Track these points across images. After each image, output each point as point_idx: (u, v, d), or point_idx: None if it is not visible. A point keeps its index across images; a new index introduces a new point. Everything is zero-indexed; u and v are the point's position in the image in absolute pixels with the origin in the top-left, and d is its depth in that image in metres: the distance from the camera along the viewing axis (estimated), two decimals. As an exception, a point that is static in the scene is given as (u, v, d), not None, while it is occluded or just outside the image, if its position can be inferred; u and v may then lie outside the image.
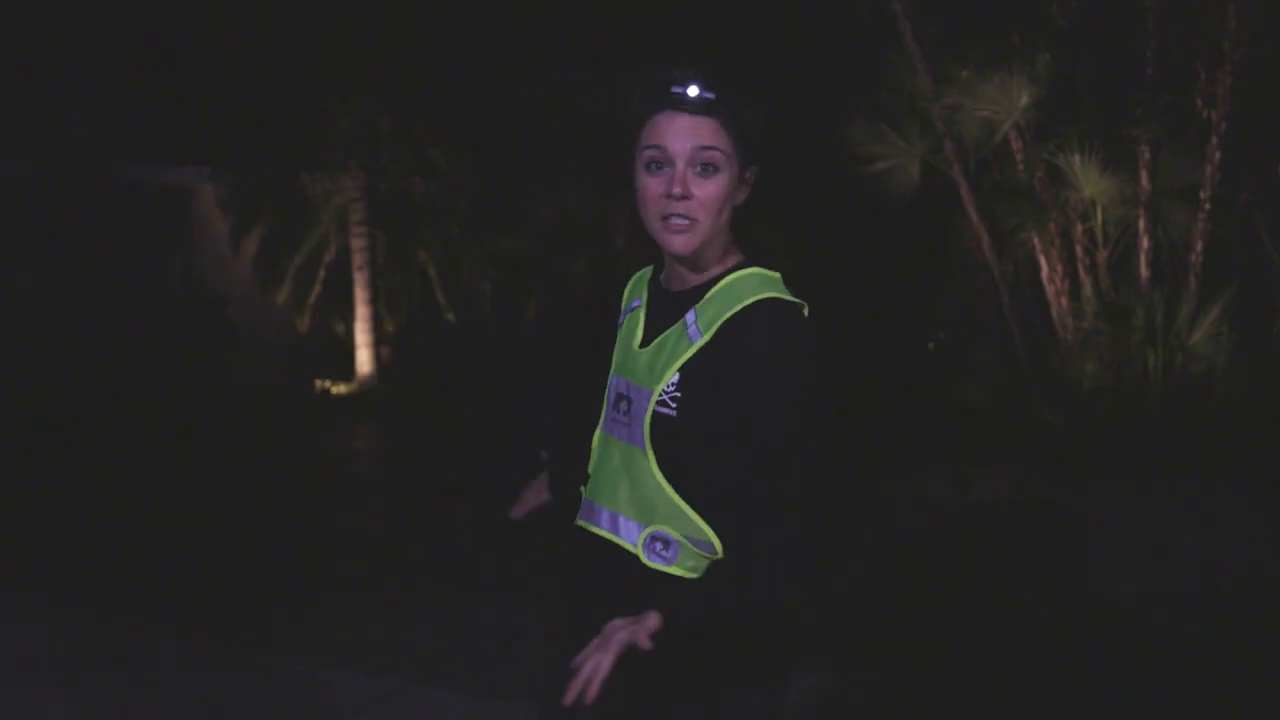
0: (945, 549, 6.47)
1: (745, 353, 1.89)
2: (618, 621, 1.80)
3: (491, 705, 4.27)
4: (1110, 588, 5.63)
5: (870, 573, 5.70)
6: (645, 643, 1.77)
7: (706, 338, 1.93)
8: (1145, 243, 9.26)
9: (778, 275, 2.01)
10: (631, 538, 1.97)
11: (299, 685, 4.42)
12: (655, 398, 1.95)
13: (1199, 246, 9.11)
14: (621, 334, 2.13)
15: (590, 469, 2.12)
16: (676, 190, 1.93)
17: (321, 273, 13.46)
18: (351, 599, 5.56)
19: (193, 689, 4.39)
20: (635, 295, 2.16)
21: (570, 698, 1.76)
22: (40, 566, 6.13)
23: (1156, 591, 5.52)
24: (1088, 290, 9.40)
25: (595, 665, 1.76)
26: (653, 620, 1.79)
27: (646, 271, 2.19)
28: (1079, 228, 9.43)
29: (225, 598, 5.58)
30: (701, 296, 1.99)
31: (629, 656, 1.78)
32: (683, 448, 1.94)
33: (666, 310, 2.04)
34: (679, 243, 1.96)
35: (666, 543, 1.94)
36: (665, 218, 1.95)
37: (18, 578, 5.92)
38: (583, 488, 2.12)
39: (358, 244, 13.25)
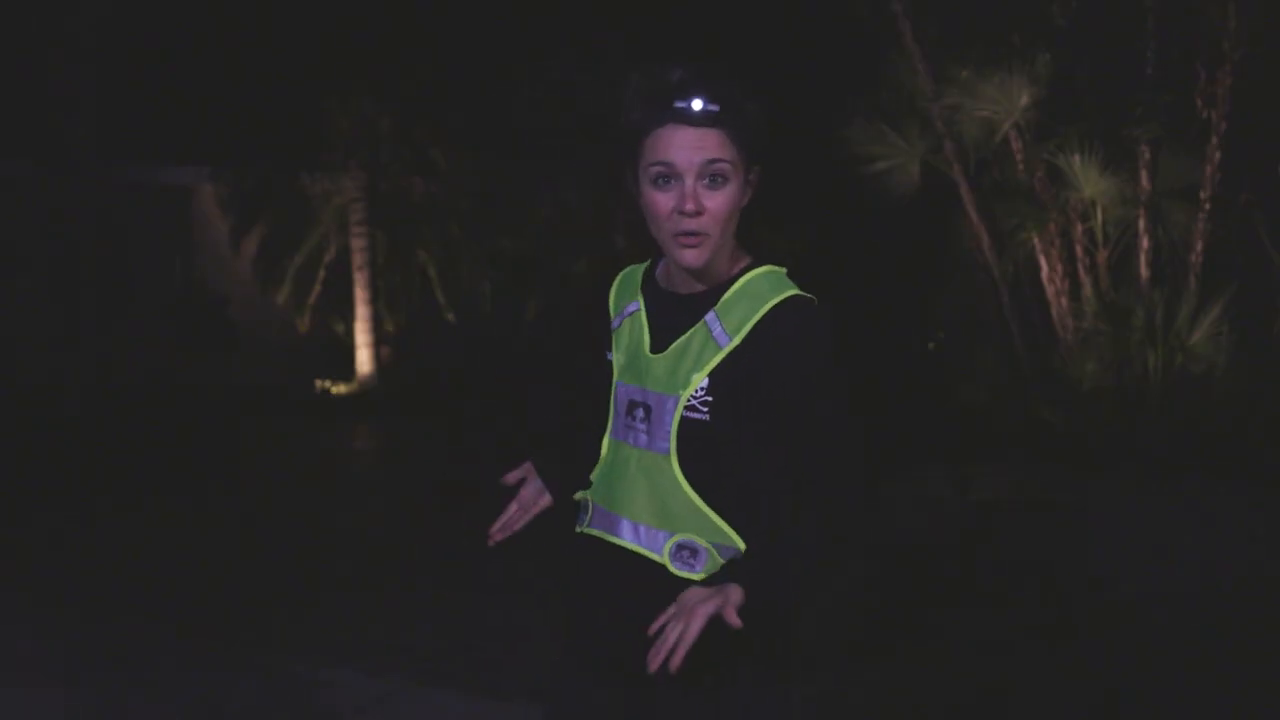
0: (945, 549, 6.47)
1: (782, 351, 1.91)
2: (695, 591, 1.81)
3: (492, 705, 4.27)
4: (1110, 588, 5.63)
5: (870, 573, 5.69)
6: (734, 619, 1.78)
7: (737, 341, 1.93)
8: (1145, 243, 9.26)
9: (784, 270, 2.02)
10: (656, 547, 1.96)
11: (299, 685, 4.42)
12: (683, 403, 1.94)
13: (1199, 246, 9.11)
14: (622, 339, 2.09)
15: (595, 476, 2.10)
16: (689, 207, 1.92)
17: (321, 273, 13.47)
18: (351, 599, 5.56)
19: (193, 689, 4.39)
20: (629, 298, 2.12)
21: (655, 664, 1.76)
22: (40, 566, 6.13)
23: (1156, 591, 5.52)
24: (1088, 290, 9.40)
25: (681, 632, 1.77)
26: (736, 594, 1.80)
27: (634, 272, 2.16)
28: (1079, 228, 9.43)
29: (225, 598, 5.58)
30: (717, 299, 1.98)
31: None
32: (714, 451, 1.94)
33: (675, 314, 2.02)
34: (692, 257, 1.95)
35: (694, 551, 1.94)
36: (677, 233, 1.94)
37: (18, 578, 5.92)
38: (588, 494, 2.10)
39: (358, 244, 13.26)
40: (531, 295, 14.28)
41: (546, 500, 2.23)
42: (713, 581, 1.86)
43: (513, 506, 2.23)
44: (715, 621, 1.79)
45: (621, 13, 12.31)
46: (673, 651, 1.76)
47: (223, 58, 12.25)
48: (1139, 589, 5.55)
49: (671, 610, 1.80)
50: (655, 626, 1.80)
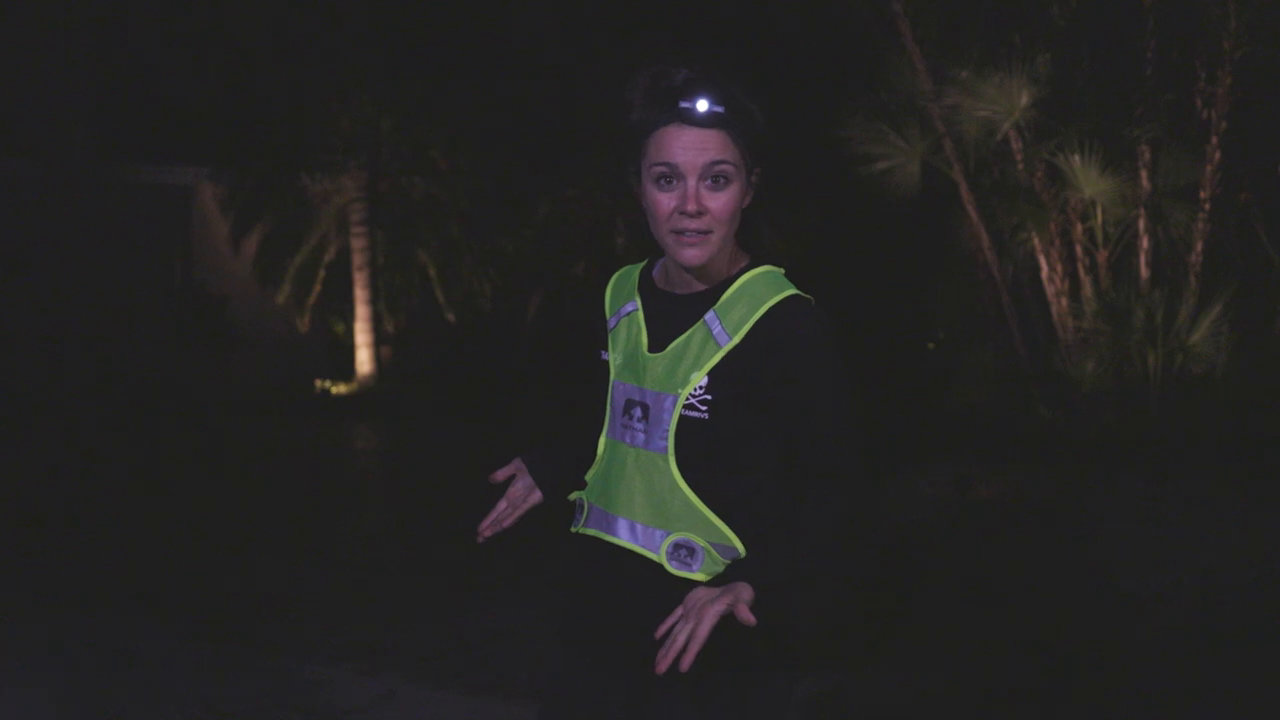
0: (945, 549, 6.47)
1: (781, 350, 1.92)
2: (703, 591, 1.80)
3: (491, 705, 4.27)
4: (1111, 587, 5.63)
5: (870, 572, 5.70)
6: (748, 616, 1.77)
7: (737, 340, 1.94)
8: (1145, 243, 9.27)
9: (782, 270, 2.02)
10: (653, 546, 1.96)
11: (299, 685, 4.42)
12: (682, 402, 1.95)
13: (1199, 246, 9.12)
14: (619, 339, 2.09)
15: (591, 476, 2.10)
16: (691, 208, 1.92)
17: (321, 273, 13.48)
18: (351, 599, 5.56)
19: (193, 689, 4.39)
20: (626, 298, 2.12)
21: (664, 666, 1.75)
22: (39, 566, 6.13)
23: (1157, 591, 5.52)
24: (1088, 290, 9.41)
25: (691, 633, 1.76)
26: (746, 592, 1.79)
27: (630, 273, 2.16)
28: (1079, 228, 9.43)
29: (225, 598, 5.58)
30: (716, 299, 1.98)
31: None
32: (712, 450, 1.94)
33: (674, 313, 2.02)
34: (692, 255, 1.95)
35: (691, 550, 1.94)
36: (678, 232, 1.95)
37: (17, 577, 5.92)
38: (583, 495, 2.10)
39: (358, 244, 13.27)
40: (531, 295, 14.29)
41: (536, 497, 2.23)
42: (720, 581, 1.86)
43: (501, 504, 2.23)
44: (723, 620, 1.79)
45: (622, 12, 12.32)
46: (683, 652, 1.75)
47: (223, 58, 12.26)
48: (1139, 589, 5.55)
49: (679, 611, 1.80)
50: (663, 629, 1.79)
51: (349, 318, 13.58)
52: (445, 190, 13.59)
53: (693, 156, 1.92)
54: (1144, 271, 9.27)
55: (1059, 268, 9.51)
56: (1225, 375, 8.86)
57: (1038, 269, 9.62)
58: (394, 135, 13.36)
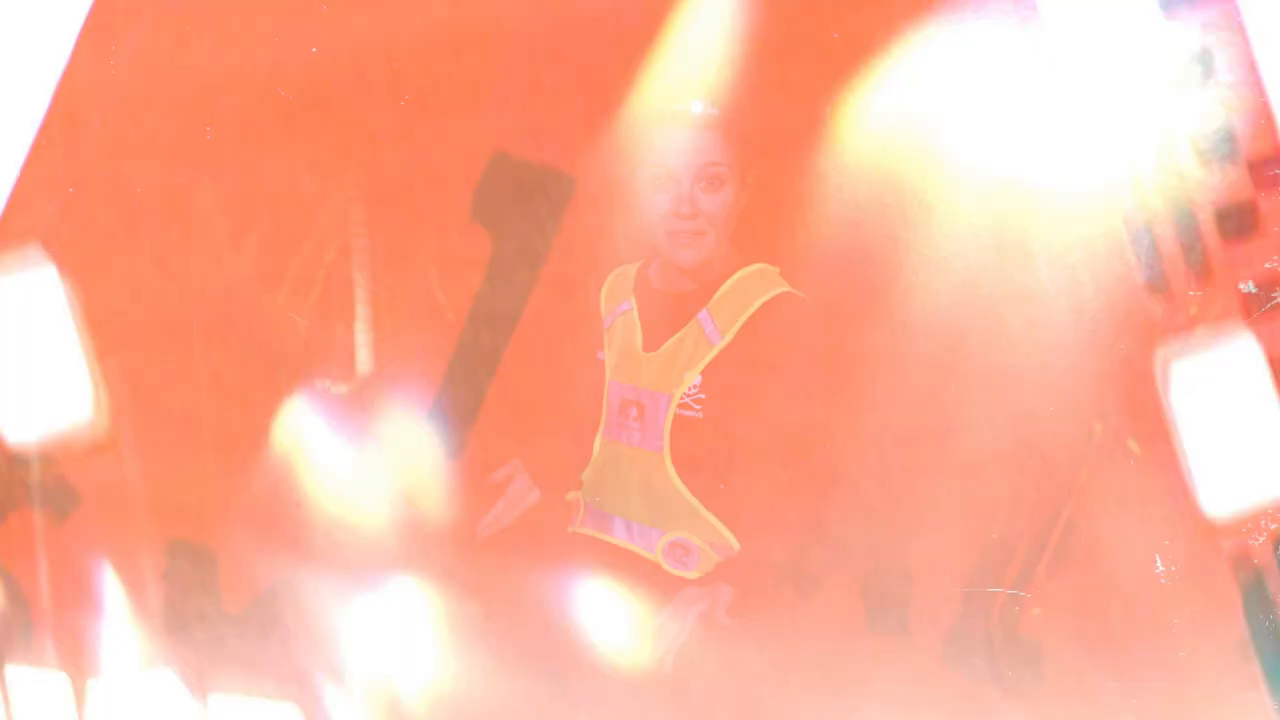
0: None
1: (774, 348, 1.92)
2: (690, 591, 1.82)
3: (490, 705, 4.26)
4: (1110, 587, 5.62)
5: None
6: (725, 618, 1.79)
7: (729, 338, 1.94)
8: (1145, 242, 9.28)
9: (777, 270, 2.02)
10: (650, 545, 1.97)
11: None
12: (676, 401, 1.95)
13: (1200, 246, 9.13)
14: (614, 338, 2.09)
15: (586, 476, 2.10)
16: (685, 210, 1.94)
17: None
18: (350, 599, 5.55)
19: (191, 689, 4.39)
20: (621, 298, 2.12)
21: (653, 664, 1.76)
22: (39, 567, 6.13)
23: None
24: (1088, 290, 9.43)
25: (674, 632, 1.78)
26: (727, 594, 1.82)
27: (626, 272, 2.15)
28: (1079, 227, 9.45)
29: (224, 598, 5.57)
30: (709, 298, 1.99)
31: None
32: (708, 448, 1.95)
33: (668, 313, 2.03)
34: (687, 256, 1.97)
35: (687, 549, 1.95)
36: (673, 233, 1.95)
37: (17, 578, 5.92)
38: (579, 494, 2.11)
39: (358, 244, 13.30)
40: (531, 295, 14.30)
41: (534, 497, 2.23)
42: (709, 580, 1.86)
43: (500, 503, 2.23)
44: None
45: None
46: (667, 650, 1.76)
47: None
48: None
49: (667, 611, 1.80)
50: (651, 628, 1.80)
51: (349, 318, 13.63)
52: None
53: (687, 158, 1.92)
54: (1144, 271, 9.29)
55: (1059, 267, 9.53)
56: (1225, 375, 8.88)
57: (1038, 268, 9.64)
58: (394, 135, 13.39)
